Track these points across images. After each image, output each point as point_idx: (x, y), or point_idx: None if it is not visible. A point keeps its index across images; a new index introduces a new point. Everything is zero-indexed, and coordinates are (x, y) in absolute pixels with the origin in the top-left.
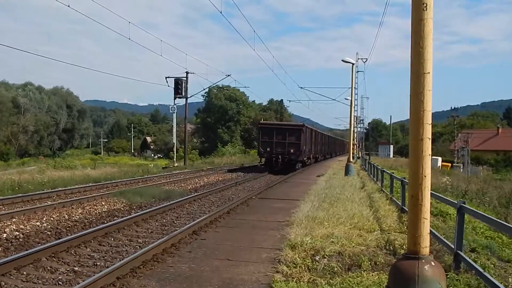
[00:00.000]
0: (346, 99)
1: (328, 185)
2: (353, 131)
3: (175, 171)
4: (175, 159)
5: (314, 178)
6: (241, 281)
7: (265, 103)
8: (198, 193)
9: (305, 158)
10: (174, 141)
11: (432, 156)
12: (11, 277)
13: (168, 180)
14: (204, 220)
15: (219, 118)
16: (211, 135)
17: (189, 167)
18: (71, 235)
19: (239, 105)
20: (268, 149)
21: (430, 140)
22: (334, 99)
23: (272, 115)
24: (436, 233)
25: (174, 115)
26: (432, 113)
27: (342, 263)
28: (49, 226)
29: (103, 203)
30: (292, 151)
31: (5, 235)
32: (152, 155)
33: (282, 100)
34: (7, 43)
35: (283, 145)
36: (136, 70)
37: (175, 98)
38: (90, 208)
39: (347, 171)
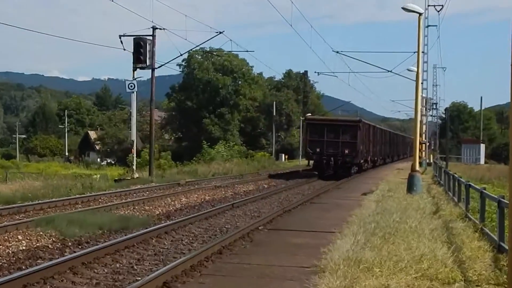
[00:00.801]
0: (409, 70)
1: (380, 209)
2: (421, 122)
3: (135, 185)
4: (135, 167)
5: (357, 197)
6: None
7: (279, 77)
8: (171, 222)
9: (361, 161)
10: (134, 137)
11: None
12: None
13: (123, 201)
14: (181, 264)
15: (206, 101)
16: (192, 128)
17: (157, 179)
18: None
19: (237, 80)
20: (318, 150)
21: None
22: (390, 71)
23: (290, 96)
24: None
25: (134, 96)
26: None
27: None
28: None
29: (19, 237)
30: (346, 151)
31: None
32: (99, 159)
33: (306, 72)
34: None
35: (335, 145)
36: (73, 25)
37: (135, 70)
38: None
39: (410, 186)
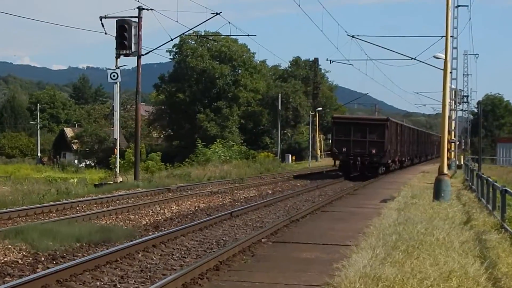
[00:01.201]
0: (436, 58)
1: (402, 218)
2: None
3: (119, 191)
4: (118, 170)
5: (375, 205)
6: None
7: (285, 65)
8: (160, 233)
9: (389, 161)
10: (117, 136)
11: None
12: None
13: (105, 209)
14: (172, 282)
15: (200, 94)
16: (184, 125)
17: (144, 184)
18: None
19: (237, 68)
20: (344, 150)
21: None
22: (414, 58)
23: (298, 87)
24: None
25: (117, 87)
26: None
27: None
28: None
29: None
30: (374, 151)
31: None
32: (76, 161)
33: (316, 59)
34: None
35: (362, 145)
36: (47, 5)
37: (118, 57)
38: None
39: (438, 192)
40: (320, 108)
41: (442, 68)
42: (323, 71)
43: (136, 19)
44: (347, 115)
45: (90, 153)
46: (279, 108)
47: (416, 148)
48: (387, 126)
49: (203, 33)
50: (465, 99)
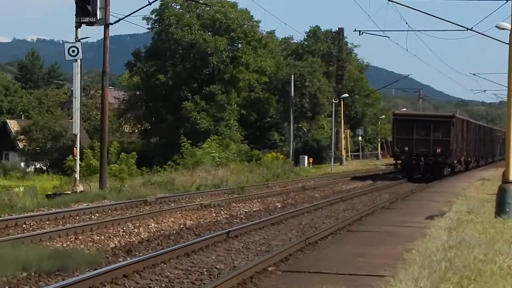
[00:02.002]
0: (499, 28)
1: (454, 240)
2: None
3: (79, 204)
4: (78, 176)
5: (419, 222)
6: None
7: (299, 38)
8: (134, 259)
9: (455, 161)
10: (77, 130)
11: None
12: None
13: (61, 227)
14: None
15: (187, 75)
16: (166, 116)
17: (112, 194)
18: None
19: (236, 42)
20: (407, 149)
21: None
22: (470, 29)
23: (316, 66)
24: None
25: (77, 66)
26: None
27: None
28: None
29: None
30: (438, 151)
31: None
32: (23, 164)
33: (341, 30)
34: None
35: (426, 143)
36: None
37: (78, 26)
38: None
39: (501, 206)
40: (346, 95)
41: (508, 41)
42: (350, 45)
43: None
44: (409, 112)
45: (41, 154)
46: (292, 94)
47: (482, 147)
48: (453, 123)
49: None
50: None
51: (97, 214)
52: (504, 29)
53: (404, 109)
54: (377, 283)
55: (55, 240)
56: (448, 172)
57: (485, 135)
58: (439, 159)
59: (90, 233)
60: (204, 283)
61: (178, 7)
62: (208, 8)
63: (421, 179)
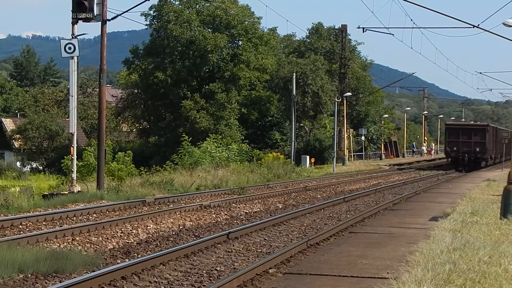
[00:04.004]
0: (506, 25)
1: (459, 242)
2: None
3: (76, 204)
4: (75, 175)
5: (422, 224)
6: None
7: (301, 35)
8: (132, 261)
9: (488, 157)
10: (74, 129)
11: None
12: None
13: (58, 228)
14: None
15: (187, 73)
16: (165, 114)
17: (110, 194)
18: None
19: (236, 39)
20: (455, 149)
21: None
22: (476, 26)
23: (319, 64)
24: None
25: (73, 63)
26: None
27: None
28: None
29: None
30: (477, 149)
31: None
32: (19, 163)
33: (345, 27)
34: None
35: (468, 144)
36: None
37: (75, 23)
38: None
39: (507, 207)
40: (349, 93)
41: None
42: (353, 43)
43: None
44: (456, 122)
45: (37, 153)
46: (294, 92)
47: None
48: (487, 130)
49: None
50: None
51: (94, 215)
52: (511, 26)
53: (453, 118)
54: (379, 285)
55: (52, 241)
56: (484, 165)
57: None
58: (478, 156)
59: (87, 234)
60: (204, 285)
61: (177, 3)
62: (208, 4)
63: (464, 170)
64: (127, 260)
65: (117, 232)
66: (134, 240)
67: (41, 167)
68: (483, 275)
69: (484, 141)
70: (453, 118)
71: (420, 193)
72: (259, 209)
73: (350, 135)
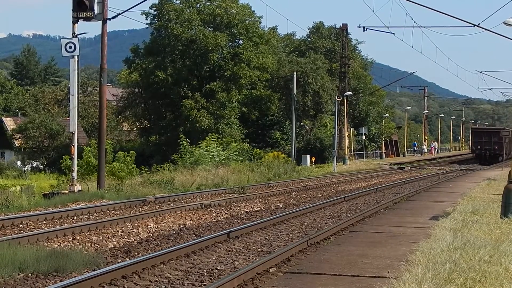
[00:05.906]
0: (506, 24)
1: (459, 241)
2: None
3: (77, 203)
4: (75, 175)
5: (423, 223)
6: None
7: (302, 34)
8: (133, 260)
9: (504, 154)
10: (74, 128)
11: None
12: None
13: (58, 227)
14: None
15: (187, 72)
16: (166, 114)
17: (110, 194)
18: None
19: (237, 38)
20: (479, 147)
21: None
22: (476, 25)
23: (319, 63)
24: None
25: (74, 62)
26: None
27: None
28: None
29: None
30: (496, 148)
31: None
32: (19, 163)
33: (345, 26)
34: None
35: (489, 144)
36: None
37: (76, 22)
38: None
39: (507, 206)
40: (350, 93)
41: None
42: (354, 42)
43: None
44: (480, 127)
45: (37, 152)
46: (294, 92)
47: None
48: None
49: None
50: None
51: (95, 214)
52: (511, 25)
53: (453, 117)
54: (380, 284)
55: (52, 241)
56: (501, 159)
57: None
58: (496, 153)
59: (88, 233)
60: (204, 284)
61: (177, 2)
62: (209, 3)
63: (486, 163)
64: (127, 259)
65: (118, 231)
66: (134, 239)
67: (41, 166)
68: (484, 274)
69: (501, 141)
70: (454, 117)
71: (421, 192)
72: (259, 208)
73: (351, 134)
